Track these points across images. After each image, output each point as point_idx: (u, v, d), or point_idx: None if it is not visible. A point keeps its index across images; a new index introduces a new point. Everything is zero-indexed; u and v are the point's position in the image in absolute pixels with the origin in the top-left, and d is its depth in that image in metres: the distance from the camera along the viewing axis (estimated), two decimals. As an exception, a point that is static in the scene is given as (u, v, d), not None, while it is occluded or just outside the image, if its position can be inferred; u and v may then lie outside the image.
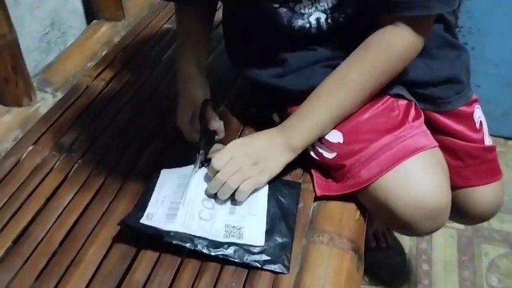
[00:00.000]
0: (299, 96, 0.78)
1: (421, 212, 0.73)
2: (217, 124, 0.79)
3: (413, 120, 0.79)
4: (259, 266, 0.69)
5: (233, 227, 0.72)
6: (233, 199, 0.75)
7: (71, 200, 0.79)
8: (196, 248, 0.69)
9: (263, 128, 0.81)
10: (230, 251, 0.69)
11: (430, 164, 0.75)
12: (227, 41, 0.94)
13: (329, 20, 0.77)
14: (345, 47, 0.77)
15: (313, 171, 0.82)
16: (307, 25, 0.77)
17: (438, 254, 1.31)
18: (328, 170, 0.80)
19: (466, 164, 0.89)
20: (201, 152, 0.77)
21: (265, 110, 0.90)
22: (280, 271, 0.68)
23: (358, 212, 0.80)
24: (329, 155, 0.78)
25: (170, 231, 0.69)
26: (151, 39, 1.22)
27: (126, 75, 1.08)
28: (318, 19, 0.77)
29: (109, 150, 0.89)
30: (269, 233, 0.72)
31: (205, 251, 0.69)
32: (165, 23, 1.28)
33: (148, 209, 0.73)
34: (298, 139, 0.76)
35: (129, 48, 1.18)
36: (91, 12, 1.23)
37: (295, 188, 0.80)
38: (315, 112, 0.76)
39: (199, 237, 0.70)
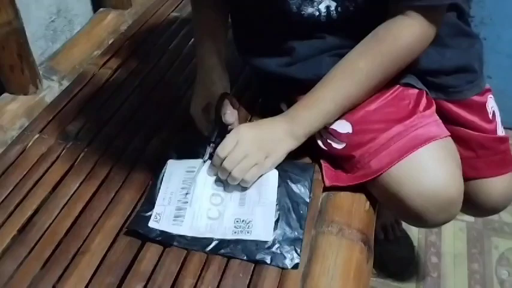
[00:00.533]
0: (307, 85, 0.77)
1: (432, 203, 0.71)
2: (233, 119, 0.78)
3: (424, 110, 0.77)
4: (268, 263, 0.67)
5: (242, 221, 0.71)
6: (243, 188, 0.75)
7: (77, 189, 0.79)
8: (205, 250, 0.69)
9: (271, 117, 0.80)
10: (238, 249, 0.68)
11: (442, 154, 0.73)
12: (235, 30, 0.92)
13: (339, 9, 0.75)
14: (354, 36, 0.75)
15: (322, 161, 0.81)
16: (317, 13, 0.76)
17: (447, 247, 1.29)
18: (338, 160, 0.79)
19: (478, 154, 0.87)
20: (211, 144, 0.76)
21: (272, 99, 0.88)
22: (289, 267, 0.67)
23: (368, 202, 0.78)
24: (338, 146, 0.77)
25: (178, 235, 0.69)
26: (158, 27, 1.21)
27: (132, 64, 1.07)
28: (328, 7, 0.75)
29: (115, 139, 0.88)
30: (278, 224, 0.71)
31: (215, 251, 0.69)
32: (172, 11, 1.27)
33: (156, 209, 0.73)
34: (301, 127, 0.75)
35: (135, 37, 1.16)
36: (97, 0, 1.21)
37: (308, 172, 0.78)
38: (320, 100, 0.75)
39: (208, 239, 0.69)
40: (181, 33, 1.18)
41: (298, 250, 0.68)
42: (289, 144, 0.76)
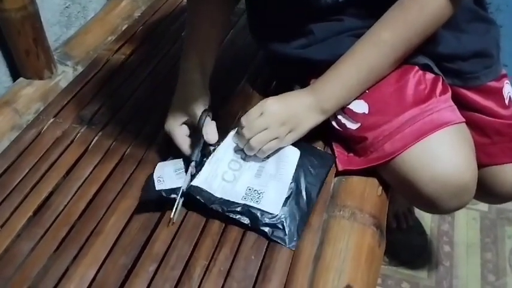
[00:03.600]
0: (323, 67, 0.76)
1: (445, 188, 0.71)
2: (215, 139, 0.75)
3: (440, 95, 0.76)
4: (268, 234, 0.68)
5: (254, 190, 0.72)
6: (262, 160, 0.75)
7: (91, 172, 0.80)
8: (212, 206, 0.69)
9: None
10: (243, 212, 0.69)
11: (457, 139, 0.73)
12: (250, 13, 0.92)
13: None
14: (373, 18, 0.75)
15: (334, 145, 0.81)
16: None
17: (460, 236, 1.29)
18: (350, 143, 0.79)
19: (493, 141, 0.86)
20: (192, 163, 0.74)
21: (287, 83, 0.88)
22: (285, 244, 0.68)
23: (381, 187, 0.78)
24: (352, 126, 0.77)
25: (191, 186, 0.69)
26: (171, 14, 1.21)
27: (146, 50, 1.08)
28: None
29: (129, 123, 0.89)
30: (288, 202, 0.71)
31: (219, 209, 0.69)
32: (185, -2, 1.27)
33: (156, 173, 0.73)
34: (327, 101, 0.75)
35: (149, 23, 1.17)
36: (112, -13, 1.22)
37: (327, 160, 0.79)
38: (345, 73, 0.75)
39: (217, 197, 0.70)
40: (194, 20, 1.18)
41: (300, 231, 0.69)
42: (314, 119, 0.76)
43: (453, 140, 0.73)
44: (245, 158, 0.76)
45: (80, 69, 1.02)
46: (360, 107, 0.76)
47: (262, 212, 0.69)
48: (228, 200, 0.70)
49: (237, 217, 0.69)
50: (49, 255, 0.68)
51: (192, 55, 0.83)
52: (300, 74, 0.84)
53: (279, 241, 0.68)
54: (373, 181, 0.78)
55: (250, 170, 0.74)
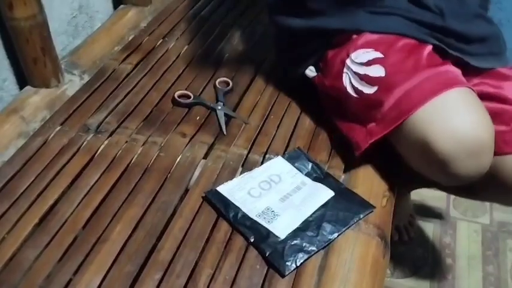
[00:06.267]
0: (341, 38, 0.78)
1: (463, 145, 0.68)
2: None
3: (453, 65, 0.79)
4: (264, 255, 0.67)
5: (272, 211, 0.72)
6: (293, 190, 0.76)
7: (97, 180, 0.80)
8: (226, 213, 0.71)
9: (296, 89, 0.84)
10: (251, 227, 0.70)
11: (473, 100, 0.73)
12: None
13: None
14: None
15: (350, 131, 0.82)
16: None
17: (462, 249, 1.29)
18: (368, 111, 0.78)
19: (511, 127, 0.83)
20: None
21: (299, 65, 0.90)
22: (276, 270, 0.66)
23: (385, 198, 0.79)
24: (370, 90, 0.78)
25: (213, 189, 0.71)
26: (177, 24, 1.22)
27: (152, 60, 1.09)
28: None
29: (135, 132, 0.89)
30: (298, 232, 0.70)
31: (232, 219, 0.71)
32: (191, 10, 1.28)
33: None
34: None
35: (155, 33, 1.18)
36: (118, -3, 1.23)
37: (364, 207, 0.75)
38: None
39: (236, 207, 0.71)
40: (200, 31, 1.19)
41: (299, 263, 0.67)
42: None
43: (469, 98, 0.73)
44: (278, 183, 0.76)
45: (86, 78, 1.02)
46: (376, 70, 0.78)
47: (268, 232, 0.70)
48: (243, 213, 0.71)
49: (244, 231, 0.70)
50: (54, 263, 0.68)
51: None
52: (315, 49, 0.87)
53: (275, 264, 0.67)
54: (378, 192, 0.78)
55: (278, 193, 0.75)
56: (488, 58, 0.87)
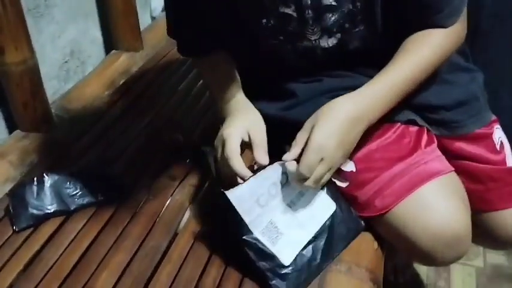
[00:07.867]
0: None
1: (439, 240, 0.71)
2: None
3: (425, 146, 0.77)
4: (269, 281, 0.68)
5: (275, 227, 0.71)
6: (297, 196, 0.74)
7: (84, 225, 0.79)
8: (238, 233, 0.69)
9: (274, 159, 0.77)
10: (254, 247, 0.69)
11: (447, 190, 0.73)
12: (240, 76, 0.93)
13: (334, 43, 0.77)
14: (351, 78, 0.77)
15: None
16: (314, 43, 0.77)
17: (457, 293, 1.27)
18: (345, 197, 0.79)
19: (488, 187, 0.85)
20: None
21: (275, 142, 0.88)
22: None
23: (376, 242, 0.78)
24: (342, 184, 0.77)
25: (224, 192, 0.68)
26: (168, 69, 1.23)
27: (142, 104, 1.09)
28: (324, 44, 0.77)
29: (124, 175, 0.89)
30: (300, 252, 0.70)
31: (235, 235, 0.69)
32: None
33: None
34: (373, 113, 0.72)
35: (146, 78, 1.19)
36: (110, 43, 1.25)
37: (357, 225, 0.77)
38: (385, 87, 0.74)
39: (242, 219, 0.69)
40: (190, 75, 1.20)
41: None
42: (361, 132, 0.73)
43: (443, 191, 0.73)
44: (285, 184, 0.74)
45: (76, 122, 1.03)
46: (347, 165, 0.77)
47: (273, 257, 0.69)
48: (249, 230, 0.69)
49: (247, 249, 0.69)
50: (38, 312, 0.66)
51: (226, 86, 0.83)
52: (287, 134, 0.80)
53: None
54: (369, 236, 0.77)
55: (284, 199, 0.73)
56: (466, 123, 0.85)
